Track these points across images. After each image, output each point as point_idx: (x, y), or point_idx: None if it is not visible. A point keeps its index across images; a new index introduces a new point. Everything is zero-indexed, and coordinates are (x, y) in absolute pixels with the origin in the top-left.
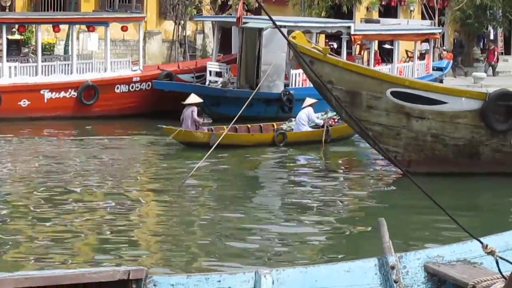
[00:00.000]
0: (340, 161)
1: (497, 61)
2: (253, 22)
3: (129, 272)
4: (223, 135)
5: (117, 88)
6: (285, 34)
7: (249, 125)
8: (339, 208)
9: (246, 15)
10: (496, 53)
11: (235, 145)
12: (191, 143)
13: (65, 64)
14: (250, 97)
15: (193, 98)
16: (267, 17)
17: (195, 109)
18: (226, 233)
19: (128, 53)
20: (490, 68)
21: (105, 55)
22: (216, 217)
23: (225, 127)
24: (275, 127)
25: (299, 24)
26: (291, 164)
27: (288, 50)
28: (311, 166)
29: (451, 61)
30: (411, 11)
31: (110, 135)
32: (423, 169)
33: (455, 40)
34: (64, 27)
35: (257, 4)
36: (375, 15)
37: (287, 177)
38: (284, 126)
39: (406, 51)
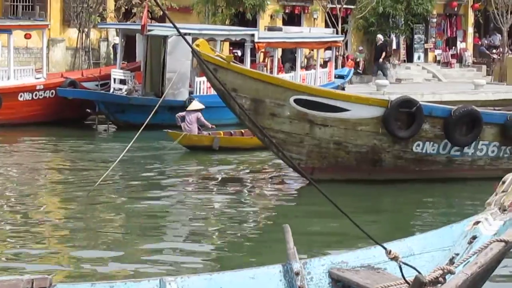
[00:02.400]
0: (246, 168)
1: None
2: (157, 30)
3: (32, 281)
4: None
5: (21, 96)
6: (189, 42)
7: (242, 130)
8: (244, 215)
9: (151, 22)
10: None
11: (234, 148)
12: (195, 147)
13: None
14: (157, 105)
15: (196, 104)
16: (171, 25)
17: (200, 114)
18: (132, 239)
19: (31, 61)
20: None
21: (8, 63)
22: (124, 223)
23: (221, 132)
24: None
25: (203, 32)
26: (206, 169)
27: (193, 58)
28: (221, 172)
29: (353, 69)
30: (314, 19)
31: (13, 143)
32: (326, 176)
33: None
34: None
35: (161, 12)
36: (279, 22)
37: (201, 182)
38: None
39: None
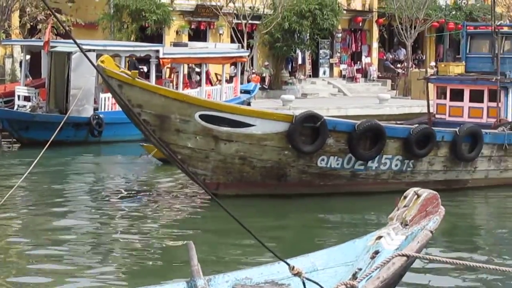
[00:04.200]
0: (153, 183)
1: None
2: (61, 46)
3: None
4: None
5: None
6: (94, 58)
7: None
8: (148, 232)
9: (56, 39)
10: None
11: None
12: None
13: None
14: (62, 122)
15: None
16: None
17: None
18: (35, 258)
19: None
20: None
21: None
22: (27, 240)
23: None
24: None
25: (108, 48)
26: (114, 182)
27: (97, 74)
28: (127, 187)
29: (258, 84)
30: (220, 34)
31: None
32: (232, 192)
33: None
34: None
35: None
36: (184, 38)
37: (111, 199)
38: None
39: (216, 74)
